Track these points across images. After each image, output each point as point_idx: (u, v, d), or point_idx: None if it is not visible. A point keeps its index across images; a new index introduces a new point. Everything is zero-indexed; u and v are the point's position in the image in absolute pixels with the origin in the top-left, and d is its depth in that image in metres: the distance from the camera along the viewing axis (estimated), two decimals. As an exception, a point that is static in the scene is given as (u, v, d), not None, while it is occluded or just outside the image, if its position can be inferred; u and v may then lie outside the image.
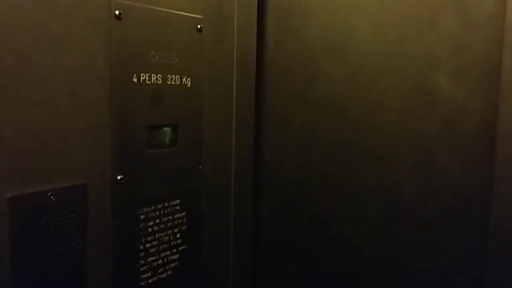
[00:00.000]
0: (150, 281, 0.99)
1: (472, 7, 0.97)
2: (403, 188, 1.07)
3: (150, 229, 0.98)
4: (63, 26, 0.79)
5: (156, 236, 0.99)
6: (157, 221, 0.99)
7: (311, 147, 1.19)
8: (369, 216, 1.12)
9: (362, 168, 1.12)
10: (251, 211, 1.26)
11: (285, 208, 1.26)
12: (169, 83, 0.98)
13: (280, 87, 1.23)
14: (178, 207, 1.03)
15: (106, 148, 0.88)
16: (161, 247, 1.00)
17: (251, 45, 1.20)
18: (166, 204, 1.01)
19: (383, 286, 1.12)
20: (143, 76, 0.93)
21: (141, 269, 0.97)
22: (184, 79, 1.02)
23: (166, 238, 1.01)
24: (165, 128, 1.00)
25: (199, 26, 1.04)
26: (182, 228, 1.05)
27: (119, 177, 0.90)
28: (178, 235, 1.04)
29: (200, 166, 1.09)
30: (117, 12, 0.87)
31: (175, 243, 1.04)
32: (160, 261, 1.01)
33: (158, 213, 0.99)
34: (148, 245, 0.97)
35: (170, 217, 1.02)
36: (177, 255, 1.04)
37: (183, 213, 1.05)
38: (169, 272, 1.03)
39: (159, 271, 1.00)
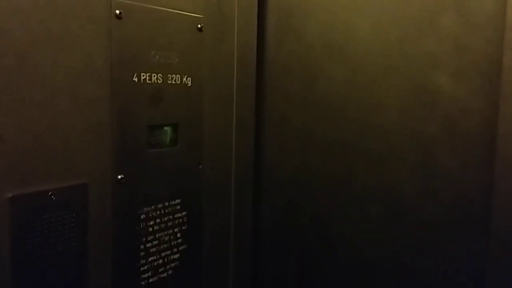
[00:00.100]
0: (150, 280, 0.99)
1: (473, 6, 0.97)
2: (404, 188, 1.07)
3: (150, 229, 0.98)
4: (63, 26, 0.79)
5: (157, 235, 0.99)
6: (158, 220, 0.99)
7: (311, 147, 1.19)
8: (369, 216, 1.12)
9: (363, 168, 1.12)
10: (251, 211, 1.26)
11: (285, 208, 1.25)
12: (169, 82, 0.98)
13: (280, 87, 1.23)
14: (178, 207, 1.03)
15: (106, 147, 0.88)
16: (161, 247, 1.00)
17: (251, 45, 1.20)
18: (166, 204, 1.01)
19: (384, 286, 1.12)
20: (143, 75, 0.93)
21: (141, 269, 0.97)
22: (184, 79, 1.02)
23: (167, 238, 1.01)
24: (166, 128, 1.00)
25: (199, 26, 1.04)
26: (183, 227, 1.05)
27: (119, 177, 0.90)
28: (178, 235, 1.04)
29: (201, 166, 1.08)
30: (117, 12, 0.87)
31: (175, 242, 1.04)
32: (161, 261, 1.01)
33: (158, 212, 0.99)
34: (148, 245, 0.97)
35: (171, 217, 1.02)
36: (178, 255, 1.04)
37: (184, 213, 1.05)
38: (170, 272, 1.03)
39: (159, 270, 1.00)
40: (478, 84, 0.97)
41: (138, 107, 0.93)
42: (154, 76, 0.95)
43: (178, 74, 1.00)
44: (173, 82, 0.99)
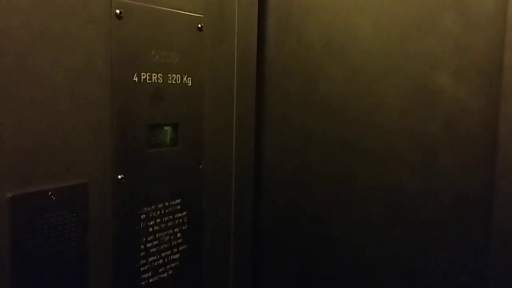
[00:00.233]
0: (150, 280, 0.98)
1: (473, 6, 0.96)
2: (404, 188, 1.07)
3: (150, 229, 0.97)
4: (63, 26, 0.79)
5: (157, 235, 0.99)
6: (158, 220, 0.99)
7: (311, 147, 1.19)
8: (370, 216, 1.12)
9: (363, 168, 1.12)
10: (252, 211, 1.26)
11: (285, 208, 1.25)
12: (169, 82, 0.98)
13: (281, 87, 1.23)
14: (178, 207, 1.03)
15: (106, 147, 0.88)
16: (161, 247, 1.00)
17: (251, 45, 1.20)
18: (166, 204, 1.01)
19: (384, 286, 1.12)
20: (143, 75, 0.93)
21: (141, 269, 0.96)
22: (184, 79, 1.02)
23: (167, 238, 1.01)
24: (166, 128, 1.00)
25: (199, 26, 1.04)
26: (183, 227, 1.05)
27: (119, 177, 0.90)
28: (178, 235, 1.04)
29: (201, 166, 1.08)
30: (117, 11, 0.87)
31: (175, 242, 1.03)
32: (161, 261, 1.00)
33: (158, 212, 0.99)
34: (148, 245, 0.97)
35: (171, 217, 1.02)
36: (178, 255, 1.04)
37: (184, 213, 1.05)
38: (170, 272, 1.03)
39: (159, 270, 1.00)
40: (479, 84, 0.97)
41: (138, 107, 0.93)
42: (154, 75, 0.95)
43: (178, 73, 1.00)
44: (173, 82, 0.99)
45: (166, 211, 1.01)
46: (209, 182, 1.11)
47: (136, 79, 0.92)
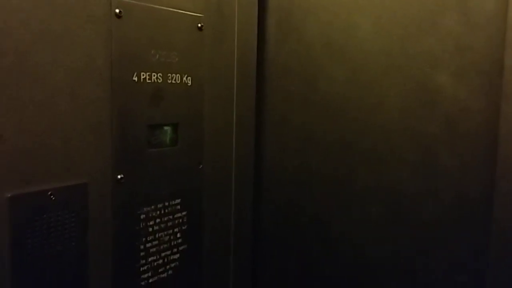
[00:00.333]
0: (150, 281, 0.98)
1: (474, 6, 0.96)
2: (404, 188, 1.07)
3: (150, 229, 0.97)
4: (63, 25, 0.79)
5: (157, 235, 0.99)
6: (158, 220, 0.99)
7: (311, 146, 1.19)
8: (370, 216, 1.12)
9: (363, 168, 1.12)
10: (252, 211, 1.25)
11: (285, 208, 1.25)
12: (169, 82, 0.98)
13: (281, 87, 1.23)
14: (178, 207, 1.03)
15: (106, 147, 0.88)
16: (161, 247, 1.00)
17: (251, 44, 1.20)
18: (166, 204, 1.00)
19: (384, 286, 1.12)
20: (143, 75, 0.93)
21: (141, 269, 0.96)
22: (184, 78, 1.02)
23: (167, 238, 1.01)
24: (166, 127, 1.00)
25: (199, 25, 1.04)
26: (183, 227, 1.05)
27: (119, 177, 0.90)
28: (178, 235, 1.04)
29: (201, 166, 1.08)
30: (117, 11, 0.87)
31: (175, 242, 1.03)
32: (161, 261, 1.00)
33: (158, 212, 0.99)
34: (148, 245, 0.97)
35: (171, 217, 1.02)
36: (178, 255, 1.04)
37: (184, 213, 1.05)
38: (170, 272, 1.03)
39: (159, 270, 1.00)
40: (479, 83, 0.97)
41: (138, 106, 0.93)
42: (154, 75, 0.95)
43: (178, 73, 1.00)
44: (173, 82, 0.99)
45: (166, 211, 1.00)
46: (209, 182, 1.11)
47: (136, 78, 0.91)
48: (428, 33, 1.01)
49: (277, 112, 1.24)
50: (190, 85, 1.03)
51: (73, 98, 0.81)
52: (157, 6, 0.95)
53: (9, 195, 0.73)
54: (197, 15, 1.04)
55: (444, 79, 1.00)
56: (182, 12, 1.00)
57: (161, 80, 0.96)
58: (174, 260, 1.03)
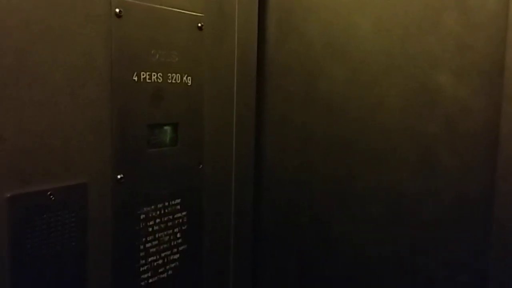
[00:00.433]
0: (150, 281, 0.98)
1: (475, 5, 0.96)
2: (405, 188, 1.06)
3: (150, 229, 0.97)
4: (63, 24, 0.79)
5: (157, 235, 0.99)
6: (158, 220, 0.98)
7: (312, 146, 1.19)
8: (370, 215, 1.11)
9: (363, 168, 1.12)
10: (252, 211, 1.25)
11: (285, 207, 1.25)
12: (169, 81, 0.98)
13: (281, 86, 1.23)
14: (178, 207, 1.03)
15: (106, 147, 0.87)
16: (161, 247, 1.00)
17: (251, 44, 1.20)
18: (166, 204, 1.00)
19: (384, 286, 1.12)
20: (143, 74, 0.93)
21: (141, 269, 0.96)
22: (184, 78, 1.01)
23: (167, 238, 1.01)
24: (166, 127, 1.00)
25: (199, 25, 1.04)
26: (183, 227, 1.05)
27: (119, 176, 0.90)
28: (178, 235, 1.04)
29: (201, 165, 1.08)
30: (117, 10, 0.87)
31: (175, 242, 1.03)
32: (161, 261, 1.00)
33: (158, 212, 0.98)
34: (148, 245, 0.97)
35: (171, 217, 1.01)
36: (178, 255, 1.04)
37: (184, 213, 1.04)
38: (170, 272, 1.02)
39: (159, 271, 1.00)
40: (480, 83, 0.97)
41: (138, 106, 0.92)
42: (154, 75, 0.95)
43: (178, 73, 1.00)
44: (173, 81, 0.99)
45: (166, 211, 1.00)
46: (209, 182, 1.11)
47: (135, 78, 0.91)
48: (429, 33, 1.01)
49: (277, 111, 1.24)
50: (190, 85, 1.03)
51: (73, 97, 0.81)
52: (157, 6, 0.95)
53: (8, 195, 0.73)
54: (197, 15, 1.03)
55: (445, 79, 1.00)
56: (182, 12, 1.00)
57: (161, 79, 0.96)
58: (174, 260, 1.03)
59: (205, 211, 1.11)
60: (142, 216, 0.95)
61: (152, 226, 0.97)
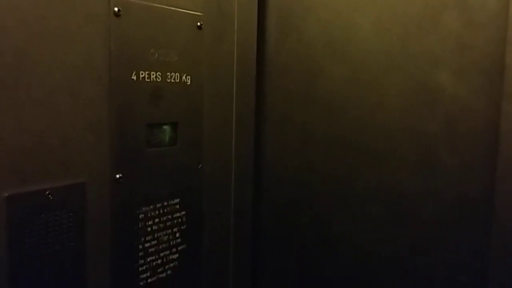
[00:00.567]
0: (149, 281, 0.98)
1: (475, 5, 0.96)
2: (405, 188, 1.06)
3: (149, 229, 0.97)
4: (61, 23, 0.79)
5: (156, 235, 0.98)
6: (157, 220, 0.98)
7: (311, 146, 1.19)
8: (370, 215, 1.11)
9: (364, 167, 1.11)
10: (252, 210, 1.25)
11: (285, 207, 1.25)
12: (168, 81, 0.98)
13: (281, 86, 1.22)
14: (177, 206, 1.03)
15: (105, 146, 0.87)
16: (160, 247, 1.00)
17: (251, 43, 1.19)
18: (165, 203, 1.00)
19: (384, 286, 1.12)
20: (142, 74, 0.92)
21: (140, 269, 0.96)
22: (183, 77, 1.01)
23: (166, 238, 1.01)
24: (165, 127, 1.00)
25: (199, 24, 1.04)
26: (182, 227, 1.04)
27: (118, 176, 0.89)
28: (177, 235, 1.03)
29: (200, 165, 1.08)
30: (116, 9, 0.86)
31: (174, 242, 1.03)
32: (160, 261, 1.00)
33: (157, 212, 0.98)
34: (147, 245, 0.97)
35: (170, 216, 1.01)
36: (177, 255, 1.04)
37: (183, 212, 1.04)
38: (169, 272, 1.02)
39: (158, 271, 1.00)
40: (480, 82, 0.97)
41: (137, 105, 0.92)
42: (153, 74, 0.95)
43: (177, 72, 0.99)
44: (172, 81, 0.99)
45: (165, 210, 1.00)
46: (208, 182, 1.11)
47: (134, 77, 0.91)
48: (429, 32, 1.01)
49: (277, 111, 1.24)
50: (189, 84, 1.03)
51: (72, 97, 0.81)
52: (157, 5, 0.94)
53: (6, 195, 0.73)
54: (196, 14, 1.03)
55: (445, 78, 1.00)
56: (181, 11, 1.00)
57: (160, 79, 0.96)
58: (173, 260, 1.03)
59: (204, 210, 1.10)
60: (141, 216, 0.95)
61: (151, 225, 0.97)
